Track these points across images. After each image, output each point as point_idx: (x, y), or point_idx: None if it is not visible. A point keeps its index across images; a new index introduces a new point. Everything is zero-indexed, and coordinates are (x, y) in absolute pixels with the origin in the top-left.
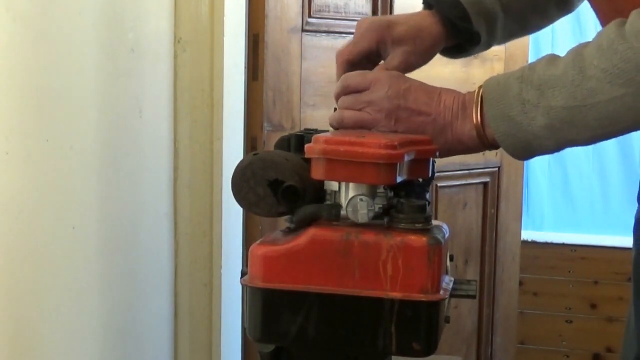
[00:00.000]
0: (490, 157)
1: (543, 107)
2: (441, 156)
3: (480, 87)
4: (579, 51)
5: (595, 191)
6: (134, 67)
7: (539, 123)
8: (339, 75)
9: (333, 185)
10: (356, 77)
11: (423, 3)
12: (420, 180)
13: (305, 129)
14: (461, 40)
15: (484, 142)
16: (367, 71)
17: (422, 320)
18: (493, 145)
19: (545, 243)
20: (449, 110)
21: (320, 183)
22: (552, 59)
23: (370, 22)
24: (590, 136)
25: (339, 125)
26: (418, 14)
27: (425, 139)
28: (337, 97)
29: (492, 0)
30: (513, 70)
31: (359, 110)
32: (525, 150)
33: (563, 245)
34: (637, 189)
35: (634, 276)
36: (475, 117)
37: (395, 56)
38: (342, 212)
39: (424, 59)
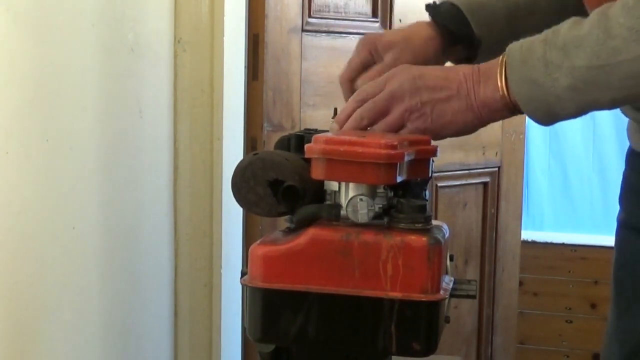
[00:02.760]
0: (490, 157)
1: (567, 68)
2: (470, 132)
3: (503, 54)
4: (603, 11)
5: (595, 191)
6: (134, 67)
7: (562, 84)
8: (347, 98)
9: (333, 185)
10: (368, 86)
11: (426, 10)
12: (418, 179)
13: (305, 129)
14: (463, 44)
15: (508, 106)
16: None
17: (422, 320)
18: (518, 109)
19: (545, 243)
20: (469, 77)
21: (320, 183)
22: (577, 20)
23: (361, 38)
24: (613, 98)
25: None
26: (413, 26)
27: (425, 139)
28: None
29: (495, 5)
30: (537, 35)
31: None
32: (548, 114)
33: (563, 245)
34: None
35: (615, 279)
36: (500, 80)
37: (387, 58)
38: (342, 212)
39: (416, 58)
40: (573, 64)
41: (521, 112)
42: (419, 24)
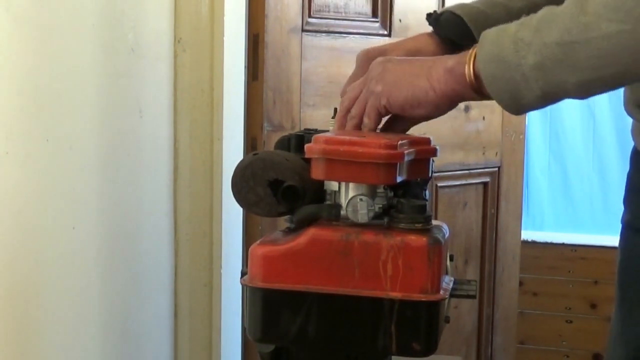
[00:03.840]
0: (490, 157)
1: (536, 45)
2: (426, 106)
3: None
4: None
5: (595, 191)
6: (134, 67)
7: (529, 62)
8: None
9: (333, 185)
10: (357, 85)
11: (427, 20)
12: (418, 179)
13: (305, 129)
14: None
15: (472, 84)
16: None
17: (422, 320)
18: (483, 90)
19: (545, 243)
20: (440, 58)
21: (320, 183)
22: (554, 6)
23: (364, 53)
24: (580, 80)
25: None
26: (414, 37)
27: (426, 139)
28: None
29: (499, 14)
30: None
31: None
32: (513, 96)
33: (563, 245)
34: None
35: (619, 281)
36: (469, 59)
37: None
38: (342, 212)
39: None
40: (543, 41)
41: (487, 97)
42: (421, 37)
